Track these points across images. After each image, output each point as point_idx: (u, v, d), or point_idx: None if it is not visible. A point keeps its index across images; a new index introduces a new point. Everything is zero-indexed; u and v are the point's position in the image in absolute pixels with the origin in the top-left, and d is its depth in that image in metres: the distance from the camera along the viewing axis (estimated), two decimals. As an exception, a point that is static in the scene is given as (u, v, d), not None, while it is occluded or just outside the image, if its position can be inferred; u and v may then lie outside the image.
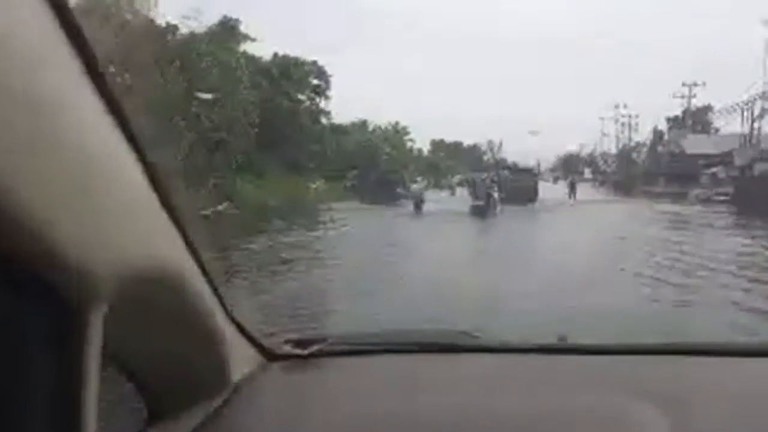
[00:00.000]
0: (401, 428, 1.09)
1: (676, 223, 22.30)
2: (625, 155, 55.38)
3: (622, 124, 59.03)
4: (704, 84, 46.88)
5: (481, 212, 26.02)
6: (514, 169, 36.49)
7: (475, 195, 28.23)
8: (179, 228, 0.85)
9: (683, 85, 47.49)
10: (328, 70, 39.06)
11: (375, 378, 1.34)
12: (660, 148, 48.53)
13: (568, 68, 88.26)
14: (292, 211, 23.79)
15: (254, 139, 29.06)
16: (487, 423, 1.10)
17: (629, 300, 8.78)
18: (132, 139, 0.68)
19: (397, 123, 64.49)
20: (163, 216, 0.80)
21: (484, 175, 32.08)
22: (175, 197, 0.81)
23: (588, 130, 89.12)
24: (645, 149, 54.61)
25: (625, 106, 58.24)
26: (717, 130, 46.89)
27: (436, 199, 31.88)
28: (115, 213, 0.66)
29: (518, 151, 51.80)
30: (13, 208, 0.49)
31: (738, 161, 28.95)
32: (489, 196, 27.48)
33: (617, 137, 59.73)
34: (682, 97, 47.64)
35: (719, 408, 1.11)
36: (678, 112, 51.19)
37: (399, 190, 31.83)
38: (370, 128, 44.93)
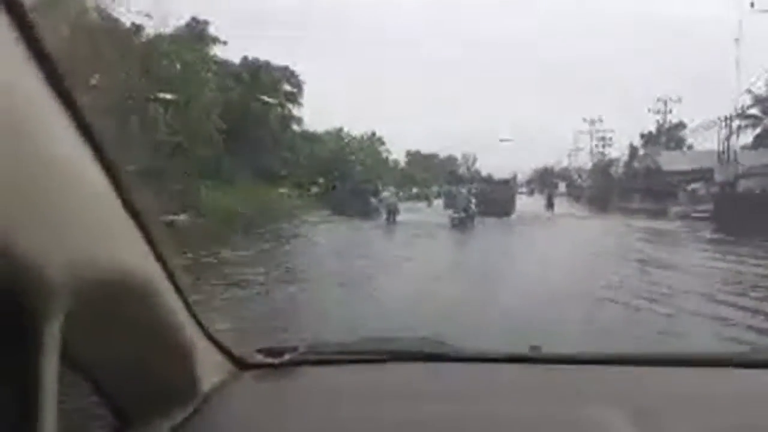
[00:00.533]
0: None
1: (655, 239, 21.72)
2: (599, 170, 54.97)
3: (600, 139, 58.81)
4: (679, 99, 46.59)
5: (461, 224, 25.09)
6: (491, 181, 35.89)
7: (454, 207, 27.26)
8: (145, 234, 0.82)
9: (658, 100, 47.21)
10: (303, 77, 37.71)
11: (347, 387, 1.33)
12: (635, 164, 48.12)
13: (544, 82, 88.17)
14: (261, 220, 22.36)
15: (221, 144, 27.50)
16: (458, 430, 1.09)
17: (604, 313, 8.69)
18: (94, 141, 0.66)
19: (373, 133, 63.89)
20: (128, 221, 0.77)
21: (465, 187, 31.21)
22: (140, 202, 0.78)
23: (564, 145, 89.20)
24: (620, 165, 54.35)
25: (600, 121, 58.07)
26: (690, 147, 46.63)
27: (411, 210, 30.81)
28: (77, 217, 0.64)
29: (491, 164, 51.68)
30: None
31: (719, 177, 28.26)
32: (468, 208, 26.55)
33: (592, 152, 59.37)
34: (658, 112, 47.34)
35: (689, 417, 1.12)
36: (652, 128, 51.11)
37: (372, 200, 30.33)
38: (346, 138, 43.44)
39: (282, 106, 36.97)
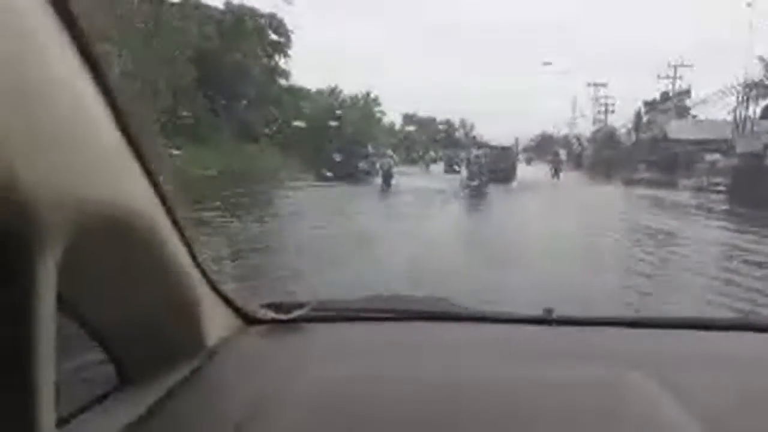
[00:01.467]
0: (380, 395, 1.04)
1: (666, 212, 19.77)
2: (602, 138, 52.13)
3: (602, 105, 55.81)
4: (691, 65, 43.52)
5: (477, 192, 22.74)
6: (492, 147, 33.39)
7: (470, 173, 25.05)
8: (150, 178, 0.79)
9: (669, 65, 44.12)
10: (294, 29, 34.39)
11: (355, 345, 1.30)
12: (641, 132, 45.37)
13: (546, 47, 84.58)
14: (232, 185, 19.47)
15: (195, 97, 24.70)
16: (468, 390, 1.06)
17: (617, 276, 8.56)
18: (97, 73, 0.63)
19: (368, 93, 60.76)
20: (135, 164, 0.74)
21: (479, 151, 28.75)
22: (147, 145, 0.74)
23: (563, 114, 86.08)
24: (624, 132, 51.61)
25: (604, 86, 54.87)
26: (695, 116, 43.84)
27: (407, 174, 28.22)
28: (77, 150, 0.61)
29: (488, 131, 49.24)
30: None
31: (741, 148, 25.62)
32: (483, 174, 24.31)
33: (594, 119, 56.36)
34: (668, 77, 44.29)
35: (706, 377, 1.12)
36: (656, 96, 48.27)
37: (362, 164, 27.40)
38: (339, 96, 40.13)
39: (268, 56, 33.91)
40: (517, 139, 40.68)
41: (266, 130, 32.25)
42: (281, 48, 34.32)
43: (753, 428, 0.98)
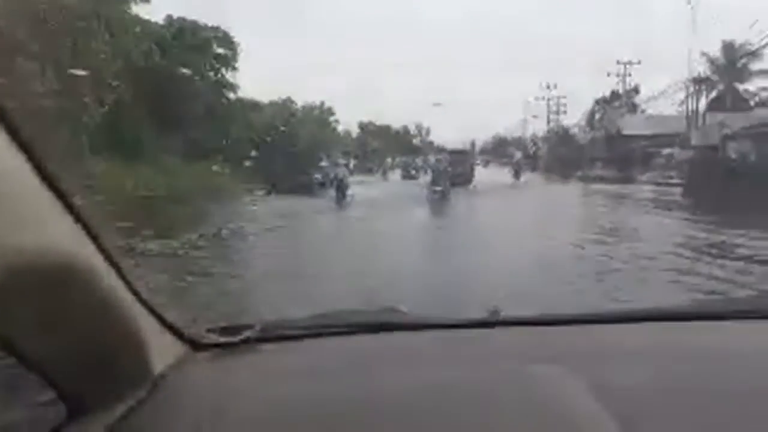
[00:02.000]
0: (336, 410, 1.04)
1: (620, 205, 20.08)
2: (556, 137, 52.35)
3: (554, 105, 56.10)
4: (639, 62, 43.95)
5: (441, 198, 22.21)
6: (452, 151, 33.24)
7: (433, 179, 24.64)
8: (74, 215, 0.79)
9: (618, 63, 44.41)
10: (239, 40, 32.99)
11: (305, 363, 1.27)
12: (594, 130, 45.56)
13: (493, 50, 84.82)
14: (166, 203, 18.10)
15: (133, 115, 23.20)
16: (420, 399, 1.07)
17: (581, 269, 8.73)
18: (8, 121, 0.64)
19: (322, 103, 59.67)
20: (55, 202, 0.74)
21: (440, 155, 28.82)
22: (63, 181, 0.74)
23: (516, 113, 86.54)
24: (577, 131, 51.98)
25: (555, 87, 55.24)
26: (643, 111, 44.30)
27: (364, 183, 27.22)
28: (3, 197, 0.63)
29: (444, 136, 48.76)
30: None
31: (696, 140, 25.52)
32: (445, 179, 23.94)
33: (548, 119, 56.62)
34: (618, 75, 44.60)
35: (640, 369, 1.13)
36: (606, 94, 48.67)
37: (316, 175, 26.22)
38: (290, 107, 38.64)
39: (215, 70, 32.49)
40: (473, 142, 40.31)
41: (216, 146, 30.85)
42: (228, 61, 32.93)
43: (669, 424, 0.98)
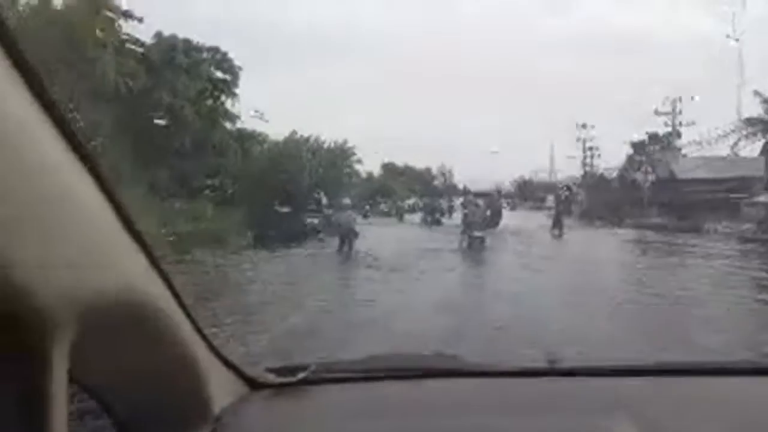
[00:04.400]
0: None
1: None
2: (594, 180, 46.34)
3: (588, 148, 50.28)
4: (692, 98, 38.12)
5: (480, 247, 17.74)
6: (478, 194, 28.59)
7: (467, 224, 20.00)
8: (147, 254, 0.79)
9: (665, 99, 38.76)
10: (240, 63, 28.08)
11: (361, 405, 1.28)
12: (640, 174, 39.47)
13: (518, 92, 79.94)
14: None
15: (108, 144, 18.21)
16: None
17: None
18: (86, 158, 0.63)
19: (344, 141, 54.94)
20: (130, 240, 0.75)
21: (472, 197, 24.31)
22: (137, 220, 0.75)
23: (539, 158, 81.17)
24: (613, 174, 46.05)
25: (593, 127, 49.36)
26: (684, 155, 38.27)
27: (379, 226, 21.62)
28: (77, 239, 0.62)
29: (466, 177, 43.47)
30: None
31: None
32: (481, 223, 19.45)
33: (583, 161, 50.67)
34: (665, 114, 38.85)
35: (709, 428, 1.09)
36: (644, 137, 42.89)
37: (310, 219, 20.41)
38: (296, 140, 33.08)
39: (215, 98, 27.62)
40: (498, 188, 34.75)
41: (208, 183, 25.79)
42: (227, 86, 28.04)
43: None
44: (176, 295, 0.90)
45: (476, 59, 79.78)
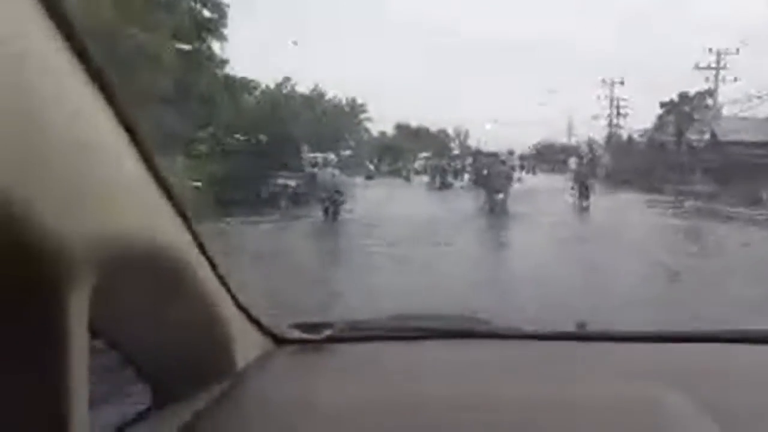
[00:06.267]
0: (414, 414, 1.00)
1: None
2: (624, 144, 41.92)
3: (615, 106, 45.56)
4: (737, 51, 33.24)
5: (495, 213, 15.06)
6: (487, 154, 26.72)
7: (490, 188, 18.02)
8: (174, 204, 0.77)
9: (709, 51, 33.91)
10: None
11: (385, 365, 1.25)
12: (669, 136, 35.06)
13: (535, 58, 74.35)
14: None
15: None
16: (500, 409, 1.01)
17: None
18: (116, 105, 0.62)
19: (353, 98, 51.03)
20: (158, 191, 0.73)
21: (508, 155, 22.73)
22: (166, 172, 0.72)
23: (558, 122, 76.22)
24: (641, 137, 41.67)
25: (621, 83, 44.47)
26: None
27: (381, 186, 18.01)
28: (104, 188, 0.61)
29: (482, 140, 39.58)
30: None
31: None
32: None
33: (610, 121, 46.00)
34: (709, 67, 34.09)
35: (748, 393, 1.06)
36: (673, 97, 38.23)
37: (279, 180, 16.55)
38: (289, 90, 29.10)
39: (202, 40, 23.78)
40: (512, 151, 30.46)
41: (198, 135, 22.30)
42: (214, 26, 24.12)
43: None
44: (202, 246, 0.87)
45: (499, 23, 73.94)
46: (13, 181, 0.46)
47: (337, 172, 13.74)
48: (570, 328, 1.37)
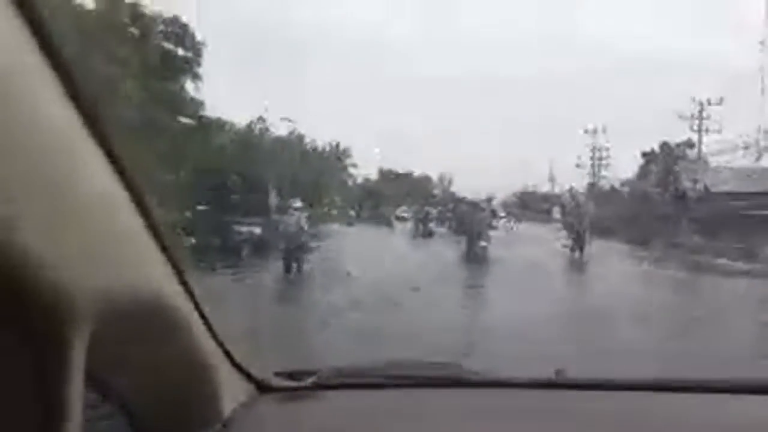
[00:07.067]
0: None
1: None
2: (607, 192, 41.09)
3: (598, 156, 45.00)
4: (720, 101, 32.76)
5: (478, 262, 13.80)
6: (469, 203, 24.47)
7: (471, 235, 17.17)
8: (168, 257, 0.78)
9: (693, 101, 33.42)
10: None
11: (369, 412, 1.25)
12: (648, 186, 34.25)
13: (523, 106, 74.46)
14: None
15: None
16: None
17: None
18: (115, 160, 0.62)
19: (338, 144, 50.18)
20: (150, 240, 0.74)
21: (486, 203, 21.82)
22: (161, 223, 0.74)
23: (537, 170, 75.96)
24: (623, 186, 40.98)
25: (604, 131, 43.99)
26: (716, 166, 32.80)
27: (360, 236, 16.43)
28: (103, 239, 0.62)
29: (466, 187, 38.68)
30: None
31: None
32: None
33: (593, 170, 45.35)
34: (691, 117, 33.53)
35: None
36: (652, 146, 37.78)
37: (243, 227, 14.81)
38: (261, 131, 27.73)
39: (171, 77, 22.44)
40: (489, 195, 28.88)
41: (168, 179, 20.62)
42: (188, 66, 22.90)
43: None
44: (192, 295, 0.88)
45: (474, 64, 74.54)
46: (15, 229, 0.46)
47: (303, 218, 12.07)
48: (550, 375, 1.37)
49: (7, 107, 0.45)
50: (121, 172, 0.62)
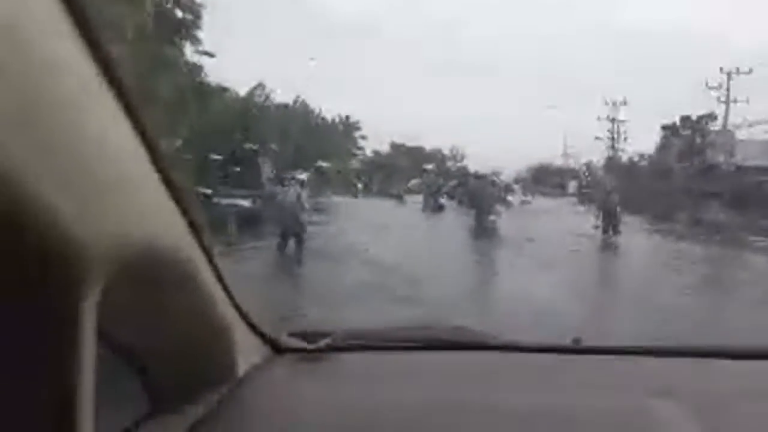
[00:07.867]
0: (409, 424, 1.01)
1: None
2: (624, 167, 39.23)
3: (616, 129, 42.91)
4: (750, 70, 30.63)
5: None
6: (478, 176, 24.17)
7: (481, 210, 16.75)
8: (183, 210, 0.76)
9: (721, 71, 31.30)
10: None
11: (383, 374, 1.25)
12: (693, 158, 32.25)
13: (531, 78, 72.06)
14: None
15: None
16: (494, 420, 1.01)
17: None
18: (132, 111, 0.60)
19: (347, 117, 48.66)
20: (167, 197, 0.72)
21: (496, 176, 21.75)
22: (179, 178, 0.71)
23: (554, 143, 73.83)
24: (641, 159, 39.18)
25: (624, 103, 41.77)
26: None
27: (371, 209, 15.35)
28: (116, 189, 0.60)
29: (480, 161, 37.10)
30: (7, 179, 0.45)
31: None
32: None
33: (612, 143, 43.28)
34: (719, 87, 31.46)
35: (743, 409, 1.04)
36: (673, 119, 35.70)
37: (227, 199, 13.39)
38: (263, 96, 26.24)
39: (165, 39, 20.97)
40: (495, 170, 27.30)
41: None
42: (187, 29, 21.38)
43: None
44: (208, 252, 0.86)
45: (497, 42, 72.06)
46: (32, 181, 0.46)
47: (304, 192, 10.76)
48: (567, 342, 1.37)
49: (17, 54, 0.44)
50: (136, 121, 0.60)
